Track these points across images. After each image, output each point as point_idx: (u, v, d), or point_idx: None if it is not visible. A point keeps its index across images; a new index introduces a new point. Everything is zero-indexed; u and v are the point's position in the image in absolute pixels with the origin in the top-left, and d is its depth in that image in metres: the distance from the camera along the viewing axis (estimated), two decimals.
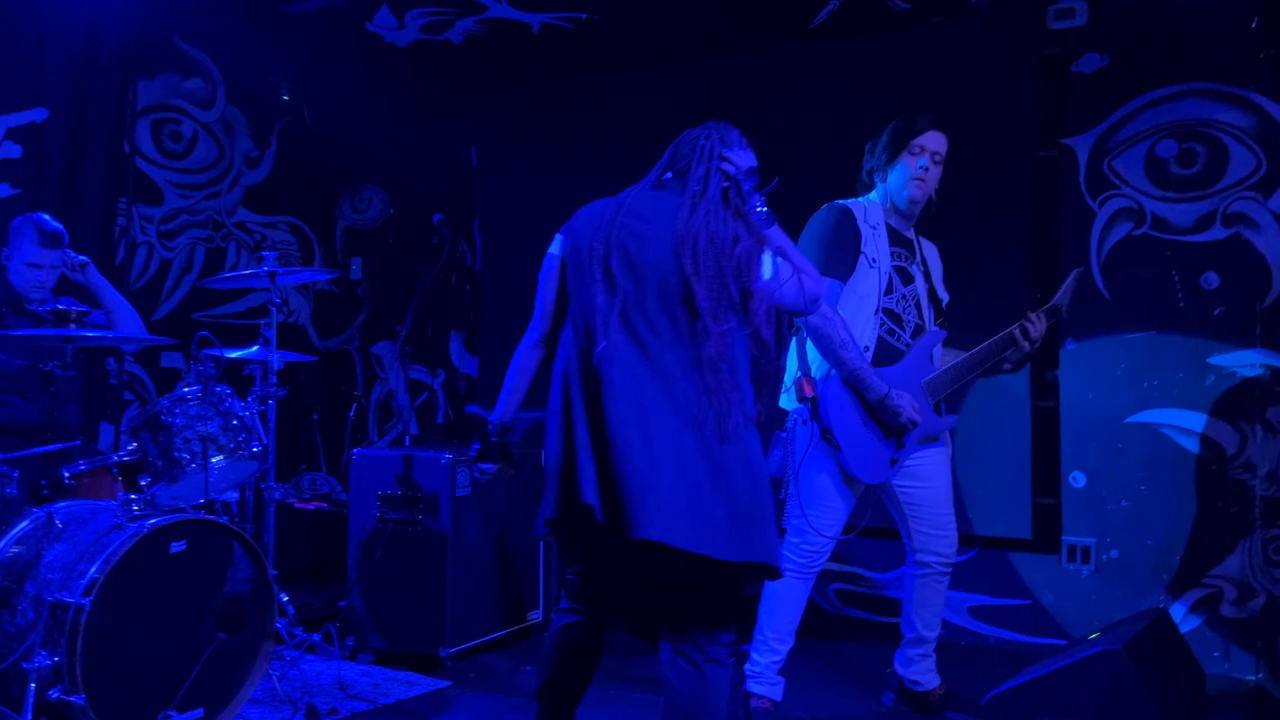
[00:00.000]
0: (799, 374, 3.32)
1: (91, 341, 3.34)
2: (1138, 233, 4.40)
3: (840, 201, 3.42)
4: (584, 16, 5.23)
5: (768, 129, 2.98)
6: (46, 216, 3.96)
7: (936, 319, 3.53)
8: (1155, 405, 4.33)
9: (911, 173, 3.39)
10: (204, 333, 3.64)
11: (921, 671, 3.60)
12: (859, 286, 3.32)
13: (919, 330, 3.45)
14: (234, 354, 3.92)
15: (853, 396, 3.26)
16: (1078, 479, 4.47)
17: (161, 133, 5.62)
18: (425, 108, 6.09)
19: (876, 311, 3.33)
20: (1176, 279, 4.31)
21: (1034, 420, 4.57)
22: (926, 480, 3.48)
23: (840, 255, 3.29)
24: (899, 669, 3.65)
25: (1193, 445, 4.26)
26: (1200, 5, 4.26)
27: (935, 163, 3.42)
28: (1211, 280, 4.26)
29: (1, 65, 4.80)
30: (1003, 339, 3.47)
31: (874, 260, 3.34)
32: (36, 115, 4.95)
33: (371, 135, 6.14)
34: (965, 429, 4.64)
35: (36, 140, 4.94)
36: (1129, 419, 4.37)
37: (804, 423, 3.28)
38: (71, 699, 2.79)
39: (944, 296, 3.59)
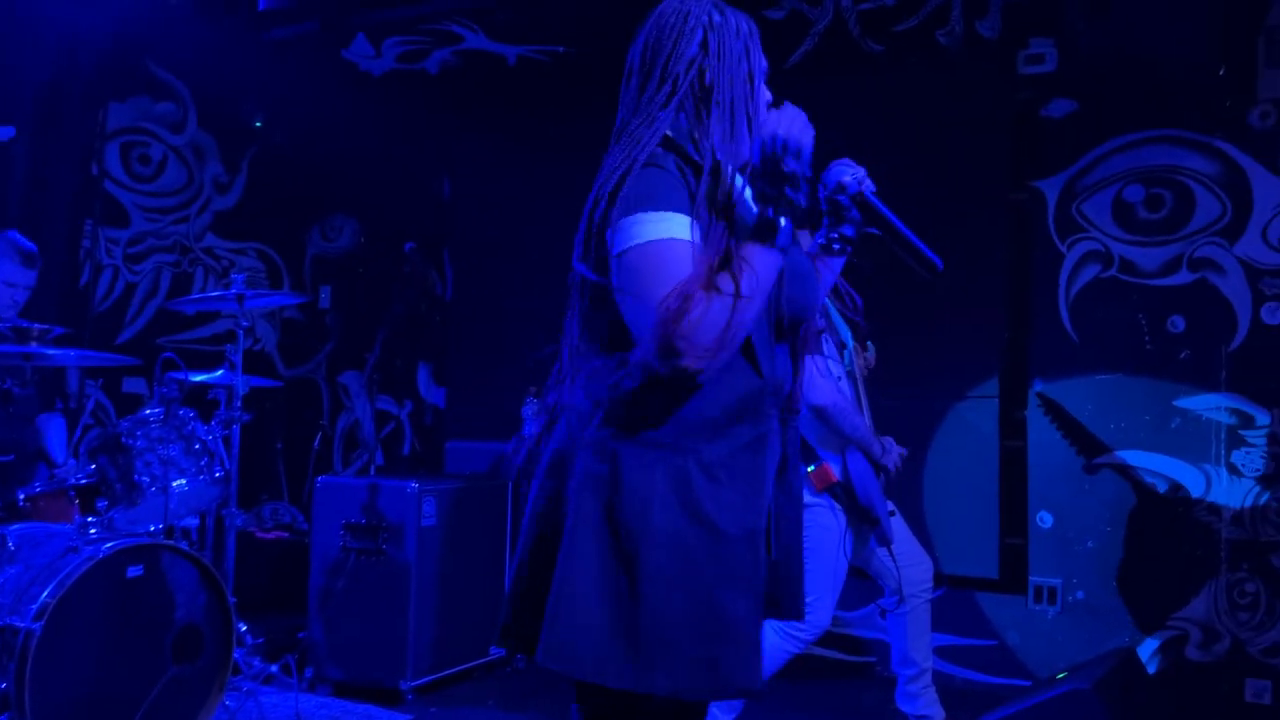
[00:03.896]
0: (810, 464, 3.25)
1: (50, 360, 3.26)
2: (1105, 275, 4.44)
3: None
4: (560, 50, 5.25)
5: None
6: (21, 236, 3.88)
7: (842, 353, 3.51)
8: (1122, 447, 4.36)
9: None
10: (168, 354, 3.58)
11: (929, 703, 3.53)
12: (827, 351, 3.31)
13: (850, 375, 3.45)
14: (198, 377, 3.87)
15: (867, 462, 3.25)
16: (1045, 519, 4.48)
17: (130, 155, 5.57)
18: (398, 137, 6.07)
19: (839, 379, 3.32)
20: (1143, 322, 4.35)
21: (1002, 460, 4.57)
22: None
23: None
24: (905, 708, 3.56)
25: (1159, 487, 4.28)
26: (1168, 53, 4.33)
27: None
28: (1178, 324, 4.30)
29: None
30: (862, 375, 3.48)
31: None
32: (3, 133, 4.89)
33: (344, 163, 6.10)
34: (933, 468, 4.66)
35: (2, 158, 4.89)
36: (1096, 460, 4.39)
37: (832, 510, 3.26)
38: None
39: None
